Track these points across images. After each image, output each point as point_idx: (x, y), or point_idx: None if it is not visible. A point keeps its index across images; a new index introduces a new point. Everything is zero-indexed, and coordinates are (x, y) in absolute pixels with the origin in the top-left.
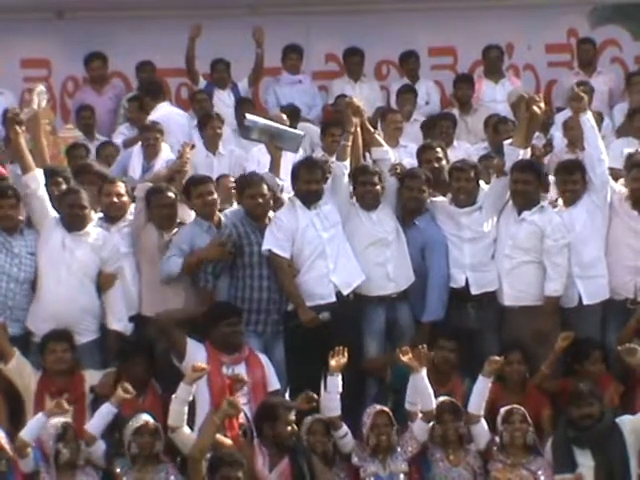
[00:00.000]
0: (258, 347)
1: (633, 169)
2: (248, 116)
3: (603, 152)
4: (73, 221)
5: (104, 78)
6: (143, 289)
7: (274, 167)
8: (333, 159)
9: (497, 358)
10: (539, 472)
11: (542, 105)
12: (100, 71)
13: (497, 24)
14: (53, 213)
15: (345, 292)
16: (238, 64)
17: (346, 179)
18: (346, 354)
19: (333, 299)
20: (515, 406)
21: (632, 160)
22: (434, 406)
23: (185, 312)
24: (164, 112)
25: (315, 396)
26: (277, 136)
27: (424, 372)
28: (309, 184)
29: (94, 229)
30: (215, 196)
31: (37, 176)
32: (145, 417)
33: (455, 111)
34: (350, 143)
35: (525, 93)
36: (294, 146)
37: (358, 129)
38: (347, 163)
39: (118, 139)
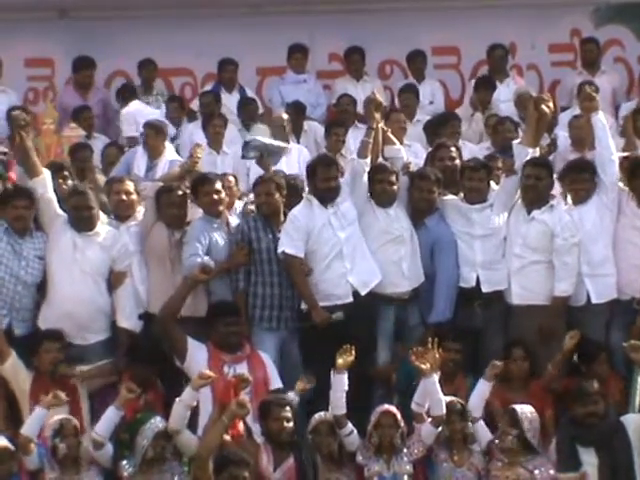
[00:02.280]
0: (273, 344)
1: (637, 169)
2: (258, 137)
3: (614, 152)
4: (81, 222)
5: (91, 84)
6: (151, 287)
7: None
8: (353, 156)
9: (498, 363)
10: (536, 471)
11: (550, 105)
12: (89, 79)
13: (500, 24)
14: (62, 214)
15: (363, 292)
16: (241, 64)
17: (365, 176)
18: (353, 352)
19: (350, 299)
20: (512, 407)
21: (634, 160)
22: (444, 411)
23: (179, 296)
24: (135, 107)
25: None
26: (271, 153)
27: (435, 377)
28: (328, 181)
29: (103, 228)
30: (223, 194)
31: (45, 179)
32: (160, 421)
33: (478, 114)
34: (372, 140)
35: (532, 92)
36: (278, 160)
37: (379, 126)
38: (368, 160)
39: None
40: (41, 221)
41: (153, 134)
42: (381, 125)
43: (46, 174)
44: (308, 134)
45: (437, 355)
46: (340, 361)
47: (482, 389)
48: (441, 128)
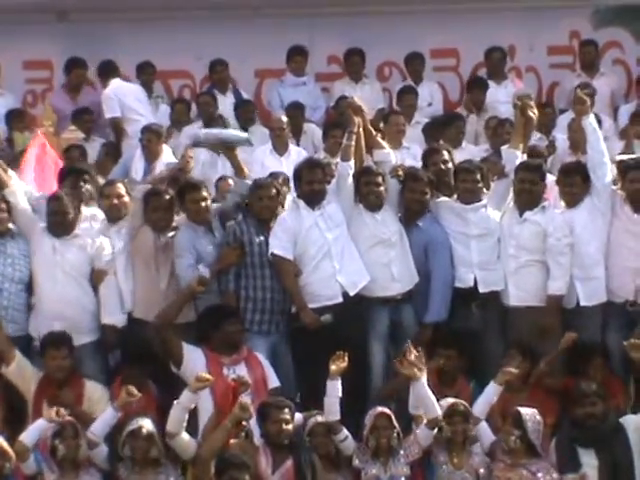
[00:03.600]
0: (264, 348)
1: (631, 171)
2: (197, 137)
3: (606, 155)
4: (58, 227)
5: (81, 86)
6: (136, 290)
7: (237, 170)
8: (337, 160)
9: (512, 370)
10: (539, 474)
11: (535, 111)
12: (81, 79)
13: (499, 26)
14: (39, 223)
15: (351, 293)
16: (241, 66)
17: (350, 179)
18: (346, 358)
19: (340, 299)
20: (516, 409)
21: (628, 162)
22: (439, 412)
23: (175, 307)
24: (117, 85)
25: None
26: (226, 141)
27: (424, 380)
28: (312, 185)
29: (82, 229)
30: (208, 202)
31: (15, 191)
32: (141, 422)
33: (472, 115)
34: (353, 143)
35: (531, 95)
36: (248, 144)
37: (361, 129)
38: (351, 163)
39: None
40: (20, 229)
41: (155, 139)
42: (376, 127)
43: (16, 185)
44: (307, 136)
45: (415, 355)
46: (333, 367)
47: (491, 392)
48: (446, 129)
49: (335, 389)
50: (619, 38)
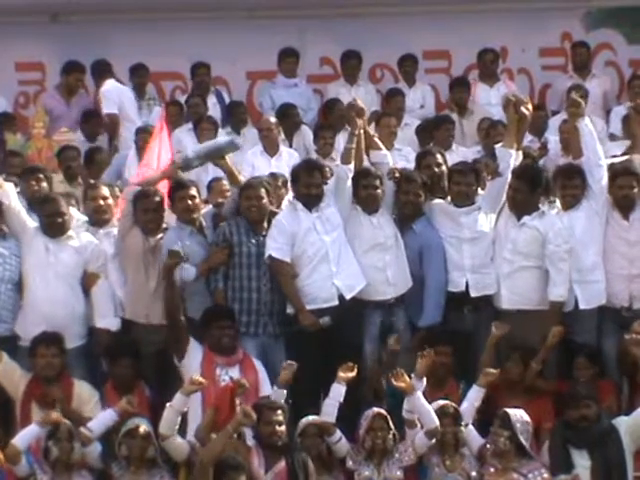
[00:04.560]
0: (254, 349)
1: (619, 177)
2: (177, 159)
3: (602, 157)
4: (53, 229)
5: (77, 90)
6: (126, 292)
7: (230, 177)
8: (337, 162)
9: (493, 370)
10: (529, 475)
11: (530, 107)
12: (79, 83)
13: (491, 28)
14: (31, 224)
15: (348, 296)
16: (233, 68)
17: (349, 182)
18: (355, 369)
19: (336, 302)
20: (504, 410)
21: (616, 168)
22: (437, 422)
23: (168, 299)
24: (111, 86)
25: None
26: (214, 151)
27: (419, 393)
28: (309, 187)
29: (75, 231)
30: (197, 201)
31: (8, 191)
32: (138, 421)
33: (455, 115)
34: (354, 146)
35: (513, 96)
36: (235, 147)
37: (361, 131)
38: (351, 166)
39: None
40: (11, 230)
41: (149, 140)
42: (370, 129)
43: (8, 186)
44: (299, 137)
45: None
46: (341, 374)
47: (474, 395)
48: (434, 131)
49: (339, 393)
50: (611, 40)
